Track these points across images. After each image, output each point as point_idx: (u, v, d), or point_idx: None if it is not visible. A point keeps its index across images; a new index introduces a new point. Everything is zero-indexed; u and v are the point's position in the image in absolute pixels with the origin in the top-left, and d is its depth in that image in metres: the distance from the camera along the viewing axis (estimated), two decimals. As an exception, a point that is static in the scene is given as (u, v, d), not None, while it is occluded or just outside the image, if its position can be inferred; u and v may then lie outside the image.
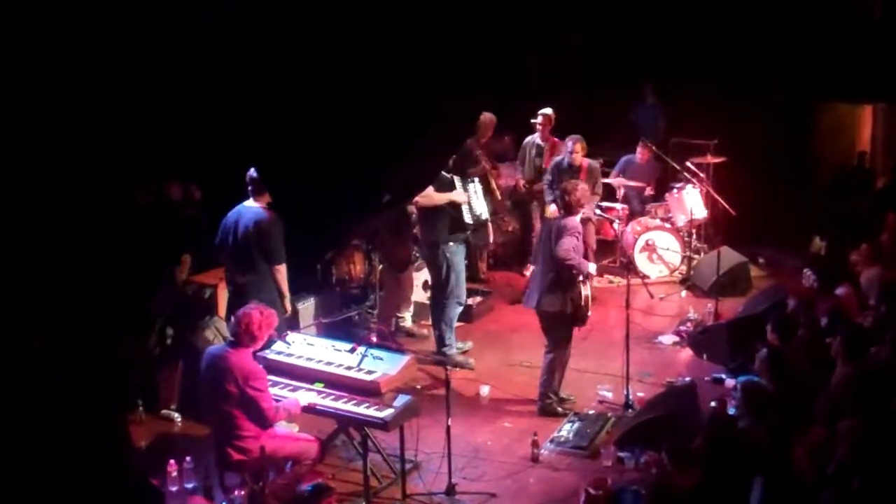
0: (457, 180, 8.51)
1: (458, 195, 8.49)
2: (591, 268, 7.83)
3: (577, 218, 7.61)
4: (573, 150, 9.85)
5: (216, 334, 7.77)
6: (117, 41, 8.78)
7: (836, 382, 6.64)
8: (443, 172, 8.45)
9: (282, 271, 7.34)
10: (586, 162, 9.98)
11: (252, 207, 7.34)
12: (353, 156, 9.78)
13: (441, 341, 8.61)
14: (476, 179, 8.84)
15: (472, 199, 8.63)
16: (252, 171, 7.31)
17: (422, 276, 9.90)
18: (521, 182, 10.66)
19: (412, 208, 8.84)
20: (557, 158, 10.12)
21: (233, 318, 6.24)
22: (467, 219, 8.58)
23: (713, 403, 7.18)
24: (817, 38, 12.07)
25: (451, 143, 8.51)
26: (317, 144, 9.82)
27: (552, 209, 9.66)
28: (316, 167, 9.64)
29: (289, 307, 7.51)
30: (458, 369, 8.28)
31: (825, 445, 5.57)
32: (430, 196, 8.38)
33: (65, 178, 8.34)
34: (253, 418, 6.05)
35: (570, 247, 7.47)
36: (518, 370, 8.59)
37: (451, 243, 8.52)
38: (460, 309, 8.70)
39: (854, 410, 5.97)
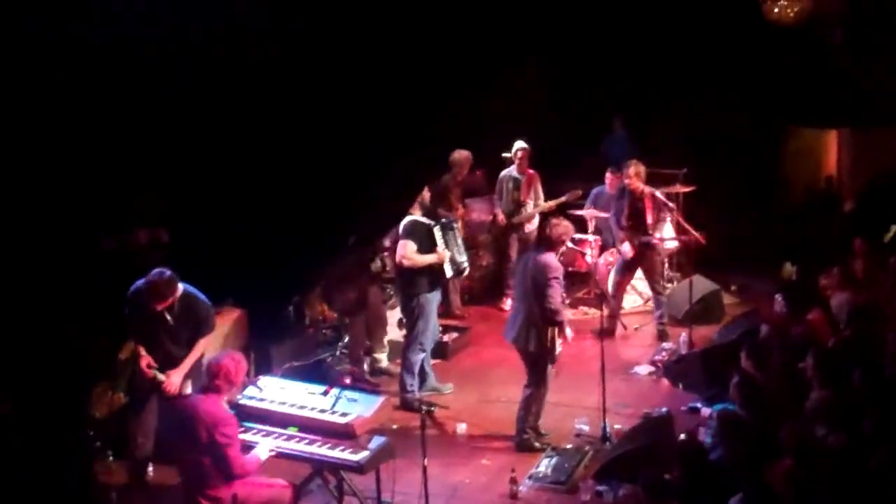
0: (436, 231, 8.47)
1: (440, 253, 8.44)
2: (569, 333, 7.76)
3: (555, 255, 7.60)
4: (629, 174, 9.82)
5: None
6: (83, 85, 8.80)
7: (810, 407, 6.66)
8: (421, 220, 8.45)
9: (202, 344, 7.16)
10: (648, 190, 9.93)
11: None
12: (320, 200, 9.82)
13: (403, 386, 8.55)
14: (457, 224, 8.86)
15: (454, 250, 8.62)
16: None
17: (396, 314, 9.87)
18: (501, 216, 10.66)
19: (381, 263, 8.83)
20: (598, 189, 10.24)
21: (206, 368, 6.17)
22: (448, 273, 8.60)
23: (683, 436, 7.17)
24: (782, 65, 12.23)
25: (413, 187, 8.57)
26: (284, 189, 9.85)
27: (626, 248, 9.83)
28: (284, 211, 9.66)
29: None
30: (434, 409, 8.22)
31: (792, 475, 5.56)
32: (414, 259, 8.35)
33: (29, 224, 8.30)
34: (220, 467, 5.97)
35: (558, 298, 7.49)
36: (495, 406, 8.54)
37: (429, 292, 8.52)
38: (422, 356, 8.61)
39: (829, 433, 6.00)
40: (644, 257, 9.98)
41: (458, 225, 9.06)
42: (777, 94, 12.25)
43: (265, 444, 6.32)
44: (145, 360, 6.99)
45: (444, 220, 8.81)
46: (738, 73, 12.01)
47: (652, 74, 12.16)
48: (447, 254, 8.51)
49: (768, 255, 11.43)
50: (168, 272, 6.96)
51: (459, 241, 8.81)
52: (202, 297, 7.12)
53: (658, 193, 10.02)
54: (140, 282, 7.04)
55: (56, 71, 8.40)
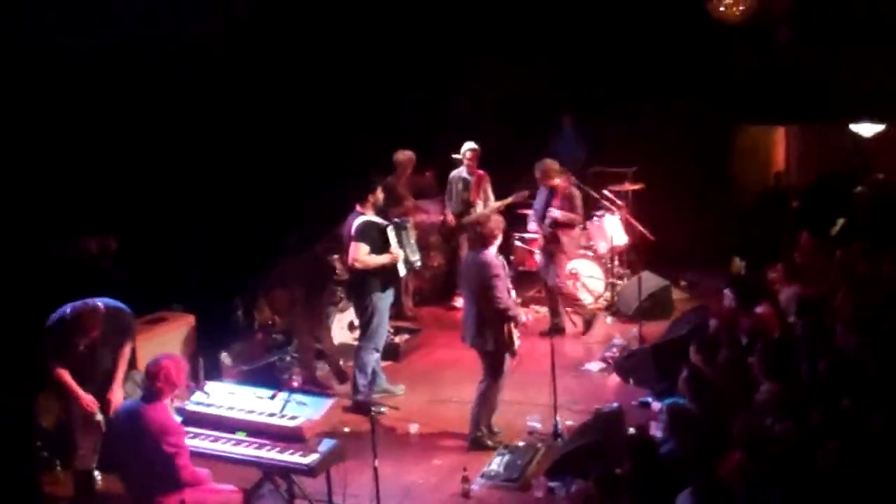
0: (390, 231, 8.42)
1: (393, 254, 8.39)
2: (523, 317, 7.78)
3: (493, 250, 7.60)
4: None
5: (135, 388, 7.58)
6: (33, 95, 8.71)
7: (759, 399, 6.72)
8: (374, 221, 8.39)
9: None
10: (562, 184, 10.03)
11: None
12: (261, 200, 9.76)
13: (355, 388, 8.50)
14: (410, 224, 8.83)
15: (407, 249, 8.57)
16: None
17: (346, 316, 9.83)
18: (451, 216, 10.64)
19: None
20: None
21: (146, 371, 6.09)
22: (402, 272, 8.56)
23: (632, 430, 7.20)
24: (729, 63, 12.37)
25: (358, 187, 8.52)
26: (229, 192, 9.79)
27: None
28: (230, 214, 9.60)
29: (86, 401, 6.81)
30: (384, 410, 8.18)
31: (743, 468, 5.59)
32: (365, 261, 8.28)
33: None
34: (168, 476, 5.89)
35: (504, 295, 7.50)
36: (447, 406, 8.53)
37: (382, 291, 8.47)
38: (376, 356, 8.57)
39: (777, 425, 6.04)
40: (549, 250, 9.98)
41: (411, 224, 9.00)
42: (724, 91, 12.38)
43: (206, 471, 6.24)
44: (86, 400, 6.73)
45: (396, 220, 8.77)
46: (685, 72, 12.12)
47: (600, 73, 12.23)
48: (400, 253, 8.47)
49: (718, 251, 11.55)
50: (91, 302, 6.69)
51: (412, 239, 8.78)
52: (122, 305, 6.94)
53: (575, 190, 10.10)
54: (60, 313, 6.75)
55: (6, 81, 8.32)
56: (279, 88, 10.85)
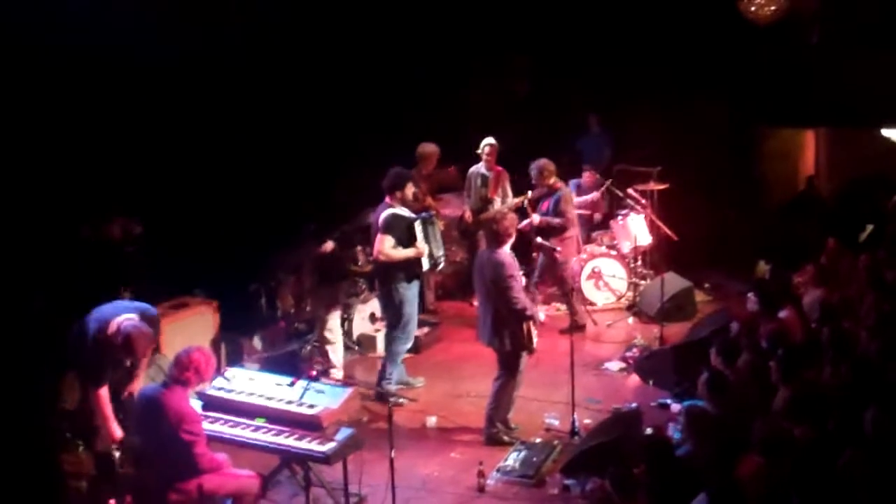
0: (417, 225, 8.42)
1: (418, 248, 8.39)
2: (541, 315, 7.76)
3: (507, 249, 7.58)
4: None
5: (159, 371, 7.64)
6: (60, 81, 8.81)
7: (778, 404, 6.68)
8: (402, 214, 8.38)
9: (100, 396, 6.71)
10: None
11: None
12: (284, 187, 9.78)
13: (381, 375, 8.54)
14: (435, 217, 8.82)
15: (432, 244, 8.58)
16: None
17: (368, 308, 9.86)
18: (468, 213, 10.63)
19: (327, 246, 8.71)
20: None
21: (175, 359, 6.12)
22: (425, 266, 8.56)
23: (649, 430, 7.18)
24: (759, 64, 12.28)
25: (381, 178, 8.52)
26: (254, 179, 9.83)
27: None
28: (255, 202, 9.64)
29: (114, 431, 6.73)
30: (403, 402, 8.18)
31: (762, 472, 5.56)
32: (389, 254, 8.27)
33: (8, 217, 8.29)
34: (186, 462, 5.94)
35: (521, 295, 7.48)
36: (465, 400, 8.56)
37: (409, 281, 8.48)
38: (408, 345, 8.62)
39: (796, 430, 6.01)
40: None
41: (438, 219, 8.99)
42: (754, 93, 12.30)
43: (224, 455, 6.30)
44: (113, 431, 6.67)
45: (424, 214, 8.77)
46: (714, 72, 12.05)
47: (628, 72, 12.18)
48: (425, 248, 8.47)
49: (743, 254, 11.48)
50: (133, 324, 6.48)
51: (438, 235, 8.78)
52: (148, 307, 6.90)
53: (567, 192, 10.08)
54: (93, 330, 6.61)
55: (35, 66, 8.41)
56: (306, 77, 10.90)
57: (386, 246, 8.25)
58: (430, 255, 8.57)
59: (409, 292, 8.47)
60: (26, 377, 7.06)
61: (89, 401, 6.79)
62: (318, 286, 8.75)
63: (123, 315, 6.59)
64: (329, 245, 8.14)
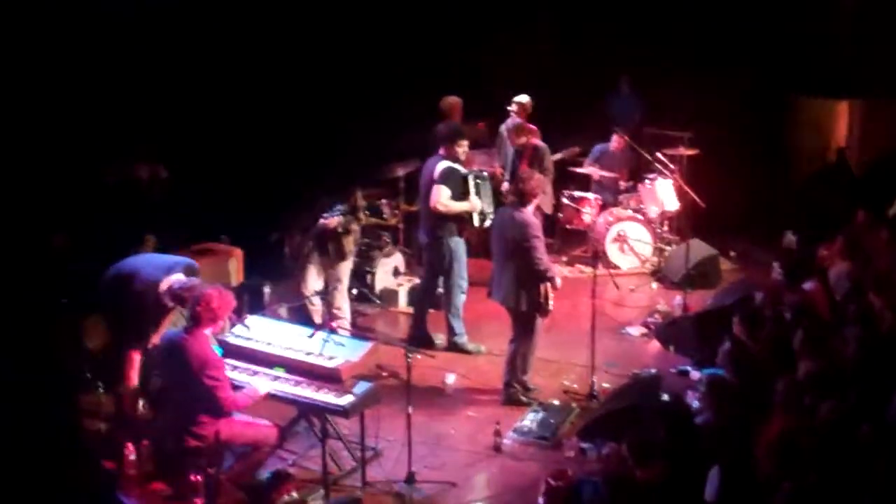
0: (470, 180, 8.38)
1: (472, 203, 8.40)
2: (558, 281, 7.70)
3: (531, 209, 7.51)
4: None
5: (181, 317, 7.66)
6: (86, 31, 8.78)
7: (799, 377, 6.63)
8: (456, 168, 8.33)
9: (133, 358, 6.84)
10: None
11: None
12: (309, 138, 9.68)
13: (451, 331, 8.62)
14: (486, 175, 8.76)
15: (484, 201, 8.56)
16: None
17: (391, 261, 9.84)
18: (499, 168, 10.52)
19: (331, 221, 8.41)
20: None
21: (191, 299, 6.13)
22: (476, 223, 8.56)
23: (666, 397, 7.16)
24: (793, 32, 12.07)
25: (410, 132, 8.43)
26: (280, 130, 9.77)
27: None
28: (280, 152, 9.60)
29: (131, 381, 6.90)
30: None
31: (785, 437, 5.52)
32: (449, 205, 8.28)
33: (35, 158, 8.31)
34: (209, 407, 5.97)
35: (544, 256, 7.44)
36: (485, 359, 8.56)
37: (458, 237, 8.49)
38: (464, 297, 8.64)
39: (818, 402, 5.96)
40: None
41: (488, 176, 8.91)
42: (787, 61, 12.11)
43: (265, 382, 6.32)
44: (128, 398, 6.81)
45: (476, 170, 8.75)
46: (748, 38, 11.86)
47: (660, 35, 12.01)
48: (478, 204, 8.45)
49: (770, 223, 11.37)
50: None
51: (490, 192, 8.73)
52: (191, 262, 6.99)
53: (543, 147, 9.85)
54: (140, 287, 6.68)
55: (59, 17, 8.38)
56: (336, 28, 10.82)
57: (444, 196, 8.24)
58: (482, 212, 8.56)
59: (460, 247, 8.51)
60: (45, 315, 7.10)
61: (118, 350, 6.80)
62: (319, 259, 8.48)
63: (172, 275, 6.63)
64: (334, 221, 8.01)
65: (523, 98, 10.35)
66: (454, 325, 8.62)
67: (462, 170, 8.42)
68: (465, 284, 8.62)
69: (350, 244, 8.21)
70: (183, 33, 9.50)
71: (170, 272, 6.69)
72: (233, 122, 9.68)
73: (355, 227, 8.26)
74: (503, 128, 10.52)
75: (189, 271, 6.74)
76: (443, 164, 8.30)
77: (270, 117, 9.93)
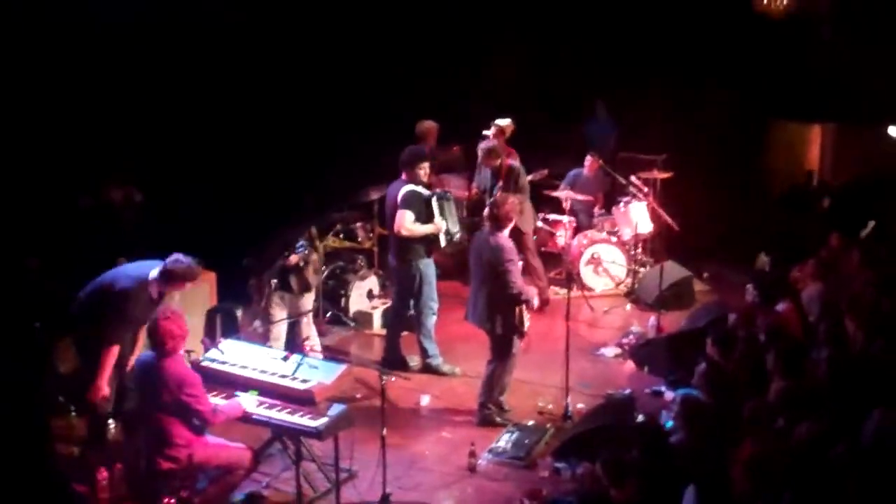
0: (434, 202, 8.43)
1: (437, 224, 8.42)
2: (535, 301, 7.75)
3: (506, 232, 7.55)
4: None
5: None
6: (57, 54, 8.77)
7: (771, 398, 6.66)
8: (419, 191, 8.38)
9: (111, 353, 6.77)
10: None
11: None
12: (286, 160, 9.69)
13: (424, 353, 8.62)
14: (451, 196, 8.78)
15: (449, 221, 8.57)
16: None
17: (366, 284, 9.84)
18: (475, 189, 10.50)
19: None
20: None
21: (149, 335, 6.09)
22: (443, 242, 8.57)
23: (641, 417, 7.18)
24: (768, 57, 12.23)
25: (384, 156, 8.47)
26: (255, 150, 9.78)
27: None
28: (255, 171, 9.61)
29: (103, 387, 6.80)
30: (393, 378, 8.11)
31: (757, 459, 5.55)
32: (412, 229, 8.32)
33: (9, 181, 8.27)
34: (188, 424, 5.95)
35: (518, 280, 7.48)
36: (460, 380, 8.56)
37: (428, 258, 8.51)
38: (435, 318, 8.65)
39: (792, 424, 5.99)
40: None
41: (452, 196, 8.93)
42: (762, 85, 12.25)
43: (249, 397, 6.31)
44: (101, 391, 6.76)
45: (439, 191, 8.76)
46: (724, 63, 12.00)
47: (635, 58, 12.13)
48: (443, 224, 8.46)
49: (743, 245, 11.45)
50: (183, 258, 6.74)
51: (454, 211, 8.76)
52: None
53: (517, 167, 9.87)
54: (138, 272, 6.78)
55: (31, 41, 8.37)
56: (311, 52, 10.85)
57: (407, 221, 8.29)
58: (447, 232, 8.57)
59: (430, 269, 8.53)
60: (19, 340, 7.05)
61: (94, 359, 6.74)
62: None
63: (148, 273, 6.70)
64: (294, 257, 8.03)
65: (504, 121, 10.37)
66: (427, 347, 8.64)
67: (425, 192, 8.46)
68: (435, 306, 8.64)
69: (311, 275, 8.19)
70: (156, 59, 9.51)
71: (151, 268, 6.74)
72: (207, 145, 9.67)
73: (314, 256, 8.25)
74: (480, 147, 10.52)
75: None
76: (405, 189, 8.36)
77: (245, 140, 9.93)
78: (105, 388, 6.75)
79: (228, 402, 6.23)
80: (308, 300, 8.24)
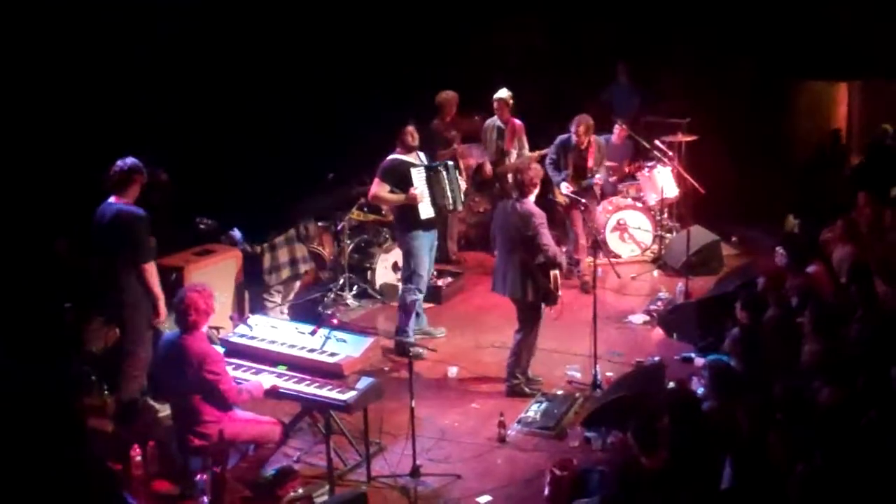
0: (414, 172, 8.29)
1: (411, 194, 8.23)
2: (563, 260, 7.72)
3: (532, 199, 7.50)
4: (575, 131, 9.60)
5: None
6: (85, 34, 8.76)
7: (805, 360, 6.61)
8: (403, 160, 8.31)
9: (150, 271, 6.99)
10: (593, 139, 9.78)
11: (115, 204, 7.05)
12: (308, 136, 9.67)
13: (398, 328, 8.50)
14: (448, 165, 8.67)
15: (435, 191, 8.41)
16: (120, 163, 7.07)
17: (391, 257, 9.84)
18: (488, 166, 10.41)
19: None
20: (563, 137, 9.80)
21: (174, 308, 6.12)
22: (423, 214, 8.35)
23: (671, 384, 7.14)
24: (791, 15, 12.03)
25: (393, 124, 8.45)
26: (279, 128, 9.76)
27: (564, 188, 9.58)
28: (281, 149, 9.60)
29: (162, 311, 7.03)
30: (424, 354, 8.13)
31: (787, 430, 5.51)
32: (382, 197, 8.32)
33: (37, 163, 8.30)
34: (214, 402, 5.98)
35: (552, 242, 7.44)
36: (487, 351, 8.54)
37: (416, 231, 8.41)
38: (418, 297, 8.52)
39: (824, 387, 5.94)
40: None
41: (454, 166, 8.81)
42: (784, 46, 12.06)
43: (269, 377, 6.33)
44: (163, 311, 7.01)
45: (435, 163, 8.66)
46: (746, 24, 11.81)
47: (657, 22, 11.96)
48: (425, 194, 8.33)
49: (771, 208, 11.34)
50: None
51: (453, 182, 8.58)
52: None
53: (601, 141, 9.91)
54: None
55: (57, 21, 8.37)
56: (332, 24, 10.79)
57: (380, 190, 8.28)
58: (434, 202, 8.42)
59: (417, 242, 8.39)
60: (49, 320, 7.10)
61: (140, 282, 6.95)
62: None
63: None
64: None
65: (503, 93, 10.22)
66: (402, 323, 8.48)
67: (410, 161, 8.34)
68: (421, 283, 8.48)
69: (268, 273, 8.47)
70: (180, 40, 9.48)
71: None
72: (231, 124, 9.65)
73: (279, 252, 8.53)
74: (489, 123, 10.38)
75: None
76: (388, 158, 8.32)
77: (270, 115, 9.89)
78: (163, 309, 6.97)
79: (248, 384, 6.23)
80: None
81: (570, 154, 9.70)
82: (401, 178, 8.27)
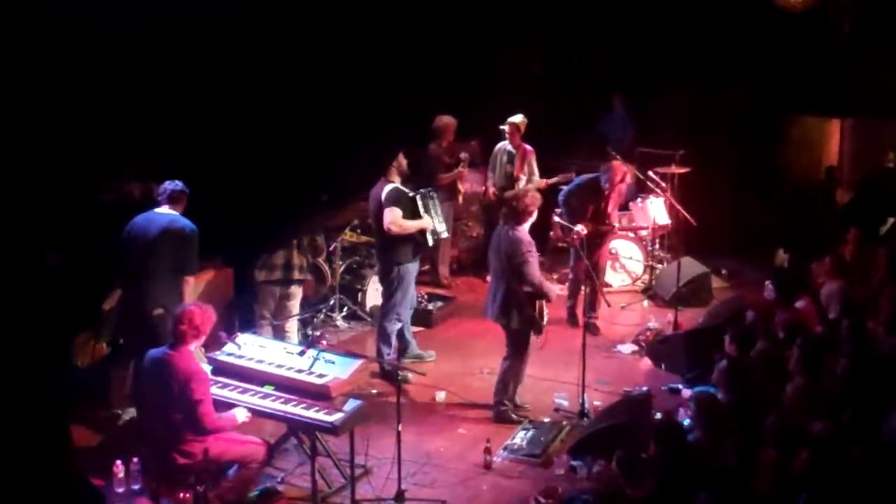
0: (419, 199, 8.39)
1: (426, 222, 8.37)
2: (553, 292, 7.72)
3: (526, 227, 7.52)
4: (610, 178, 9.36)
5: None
6: (72, 47, 8.75)
7: (790, 396, 6.63)
8: (403, 189, 8.36)
9: (192, 284, 7.20)
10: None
11: (167, 214, 7.21)
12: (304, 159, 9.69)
13: (379, 354, 8.46)
14: (434, 195, 8.74)
15: (434, 219, 8.53)
16: (171, 184, 7.37)
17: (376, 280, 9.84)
18: (492, 190, 10.51)
19: None
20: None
21: (172, 318, 6.13)
22: (430, 242, 8.52)
23: (659, 415, 7.14)
24: (787, 50, 12.13)
25: (390, 147, 8.46)
26: (269, 146, 9.76)
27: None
28: (270, 168, 9.59)
29: None
30: (411, 378, 8.12)
31: (776, 465, 5.52)
32: (402, 225, 8.25)
33: (30, 177, 8.28)
34: (191, 422, 5.95)
35: (537, 273, 7.45)
36: (476, 377, 8.54)
37: (413, 261, 8.45)
38: (398, 326, 8.53)
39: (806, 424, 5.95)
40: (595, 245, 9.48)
41: (436, 195, 8.87)
42: (780, 80, 12.15)
43: (242, 409, 6.30)
44: None
45: (422, 190, 8.69)
46: (742, 57, 11.90)
47: (653, 53, 12.04)
48: (429, 222, 8.43)
49: (762, 241, 11.39)
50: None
51: (438, 209, 8.72)
52: None
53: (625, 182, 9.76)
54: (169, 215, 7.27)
55: (50, 33, 8.36)
56: (327, 47, 10.80)
57: (397, 217, 8.21)
58: (433, 231, 8.53)
59: (409, 275, 8.44)
60: (38, 333, 7.07)
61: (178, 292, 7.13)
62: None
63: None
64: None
65: (517, 118, 10.33)
66: (381, 350, 8.47)
67: (408, 191, 8.40)
68: (404, 314, 8.51)
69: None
70: (174, 53, 9.49)
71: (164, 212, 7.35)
72: (224, 141, 9.65)
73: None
74: (499, 147, 10.45)
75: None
76: (388, 187, 8.30)
77: (262, 136, 9.90)
78: None
79: (224, 415, 6.19)
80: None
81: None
82: (407, 206, 8.31)
